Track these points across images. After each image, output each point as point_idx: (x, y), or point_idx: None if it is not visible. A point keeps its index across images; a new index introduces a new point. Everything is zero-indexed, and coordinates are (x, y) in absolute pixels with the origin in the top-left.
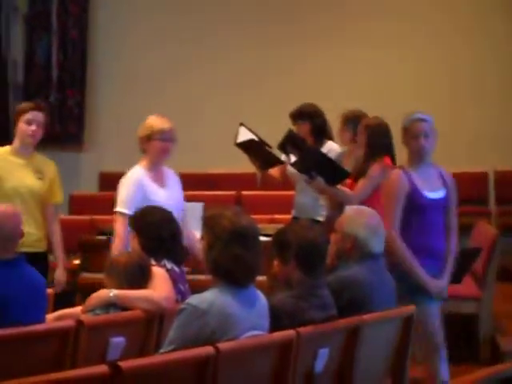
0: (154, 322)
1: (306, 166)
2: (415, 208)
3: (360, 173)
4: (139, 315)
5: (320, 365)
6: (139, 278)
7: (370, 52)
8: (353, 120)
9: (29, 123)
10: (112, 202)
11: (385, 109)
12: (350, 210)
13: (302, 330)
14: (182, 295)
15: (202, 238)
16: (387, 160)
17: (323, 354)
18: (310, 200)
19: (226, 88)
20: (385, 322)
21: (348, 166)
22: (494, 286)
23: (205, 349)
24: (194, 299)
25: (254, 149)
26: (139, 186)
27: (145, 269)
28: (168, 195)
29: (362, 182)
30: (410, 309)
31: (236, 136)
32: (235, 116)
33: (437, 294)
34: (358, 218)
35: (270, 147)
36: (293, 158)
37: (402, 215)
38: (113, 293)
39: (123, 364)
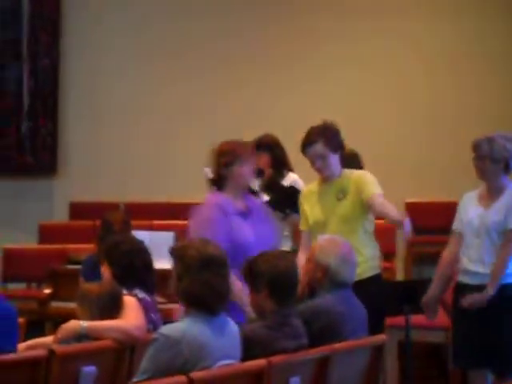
0: (125, 351)
1: (281, 204)
2: None
3: None
4: (110, 345)
5: None
6: (111, 307)
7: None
8: None
9: None
10: (82, 232)
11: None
12: (321, 239)
13: (273, 359)
14: (153, 324)
15: (171, 269)
16: None
17: (295, 383)
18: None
19: (200, 116)
20: (355, 350)
21: None
22: None
23: (178, 378)
24: (167, 329)
25: None
26: None
27: (116, 298)
28: None
29: None
30: (381, 338)
31: (205, 176)
32: (211, 143)
33: None
34: (330, 248)
35: None
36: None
37: None
38: (83, 324)
39: None
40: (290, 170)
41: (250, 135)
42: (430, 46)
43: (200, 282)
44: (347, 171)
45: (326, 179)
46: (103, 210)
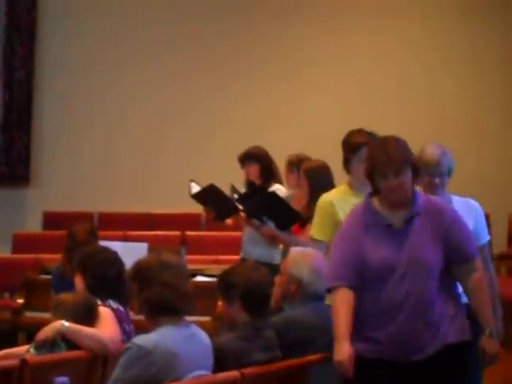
0: (98, 362)
1: (257, 211)
2: None
3: (306, 219)
4: (83, 355)
5: None
6: (85, 317)
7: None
8: (297, 164)
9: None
10: (56, 241)
11: None
12: (294, 252)
13: (246, 371)
14: (126, 335)
15: (131, 292)
16: None
17: None
18: (258, 242)
19: (175, 126)
20: (329, 363)
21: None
22: None
23: None
24: (139, 339)
25: (213, 197)
26: None
27: (91, 308)
28: None
29: (309, 229)
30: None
31: (189, 190)
32: (180, 155)
33: None
34: (303, 260)
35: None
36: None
37: None
38: (65, 323)
39: None
40: (278, 181)
41: (222, 139)
42: (426, 46)
43: (160, 285)
44: None
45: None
46: (77, 220)
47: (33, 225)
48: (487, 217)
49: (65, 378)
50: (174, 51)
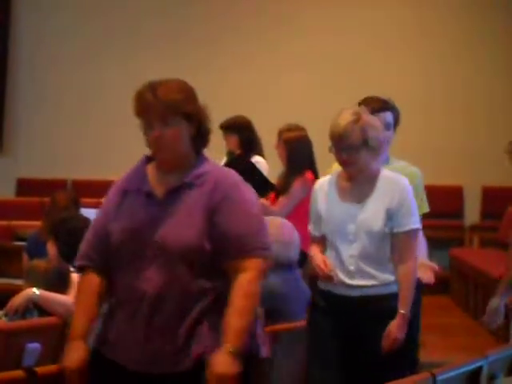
0: (69, 328)
1: None
2: None
3: (282, 188)
4: (55, 322)
5: None
6: (58, 284)
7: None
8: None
9: None
10: (29, 208)
11: None
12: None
13: None
14: None
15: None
16: (309, 175)
17: None
18: None
19: None
20: (301, 332)
21: None
22: None
23: None
24: None
25: None
26: None
27: (64, 275)
28: None
29: (282, 199)
30: None
31: None
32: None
33: None
34: (270, 229)
35: None
36: None
37: None
38: (36, 291)
39: (39, 370)
40: (259, 153)
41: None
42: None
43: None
44: None
45: None
46: (50, 187)
47: (6, 192)
48: (460, 189)
49: (37, 344)
50: (149, 19)
